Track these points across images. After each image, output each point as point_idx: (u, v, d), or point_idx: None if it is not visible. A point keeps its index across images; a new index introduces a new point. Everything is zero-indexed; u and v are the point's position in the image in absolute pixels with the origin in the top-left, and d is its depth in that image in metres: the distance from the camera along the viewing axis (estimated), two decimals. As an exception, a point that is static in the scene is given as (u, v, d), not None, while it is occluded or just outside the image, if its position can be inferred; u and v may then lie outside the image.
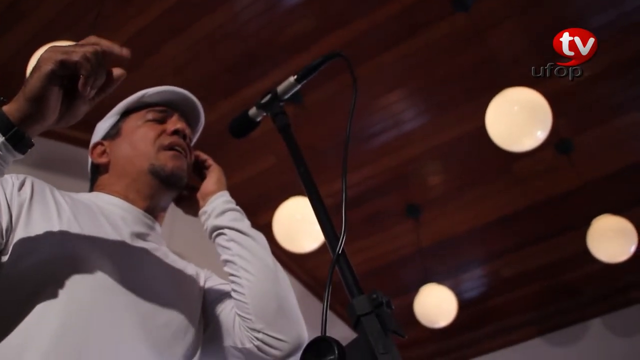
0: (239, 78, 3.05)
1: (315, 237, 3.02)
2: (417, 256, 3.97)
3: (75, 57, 0.82)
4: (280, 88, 1.04)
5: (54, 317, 0.89)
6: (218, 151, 3.15)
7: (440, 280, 3.81)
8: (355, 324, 0.67)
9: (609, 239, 3.17)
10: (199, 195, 1.23)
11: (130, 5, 2.70)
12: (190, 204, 1.25)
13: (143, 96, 1.25)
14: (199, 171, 1.28)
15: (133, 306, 0.99)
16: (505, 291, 4.29)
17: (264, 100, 1.05)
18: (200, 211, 1.20)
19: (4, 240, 0.93)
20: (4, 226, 0.94)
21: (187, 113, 1.30)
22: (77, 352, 0.88)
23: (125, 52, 0.87)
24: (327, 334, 0.67)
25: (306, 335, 1.10)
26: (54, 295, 0.91)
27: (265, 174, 3.56)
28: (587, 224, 3.22)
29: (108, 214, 1.11)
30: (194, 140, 1.34)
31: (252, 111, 1.08)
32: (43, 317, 0.89)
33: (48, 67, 0.82)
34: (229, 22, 2.82)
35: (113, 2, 2.63)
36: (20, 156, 0.86)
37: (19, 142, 0.84)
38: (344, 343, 0.67)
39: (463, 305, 3.86)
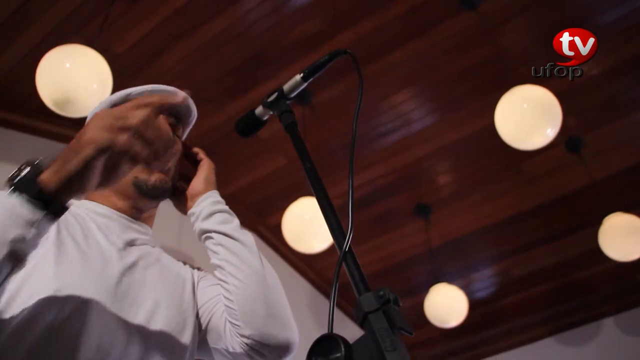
0: (247, 80, 3.05)
1: (324, 238, 3.02)
2: (427, 256, 3.96)
3: (121, 142, 0.77)
4: (286, 86, 1.04)
5: (48, 335, 0.89)
6: (226, 152, 3.18)
7: (450, 280, 3.80)
8: (362, 321, 0.66)
9: (620, 237, 3.15)
10: (187, 194, 1.21)
11: (137, 9, 2.71)
12: (180, 200, 1.23)
13: (129, 95, 1.20)
14: (192, 161, 1.25)
15: (129, 316, 0.99)
16: (516, 291, 4.26)
17: (270, 99, 1.04)
18: (189, 212, 1.19)
19: None
20: None
21: (177, 109, 1.25)
22: None
23: (180, 97, 0.85)
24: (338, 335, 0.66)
25: (296, 339, 1.09)
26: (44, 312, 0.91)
27: (275, 174, 3.56)
28: (598, 223, 3.20)
29: (98, 223, 1.11)
30: (188, 129, 1.30)
31: (259, 110, 1.07)
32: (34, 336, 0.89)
33: (90, 152, 0.77)
34: (235, 24, 2.82)
35: (120, 5, 2.63)
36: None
37: (57, 212, 0.81)
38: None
39: (474, 304, 3.84)
